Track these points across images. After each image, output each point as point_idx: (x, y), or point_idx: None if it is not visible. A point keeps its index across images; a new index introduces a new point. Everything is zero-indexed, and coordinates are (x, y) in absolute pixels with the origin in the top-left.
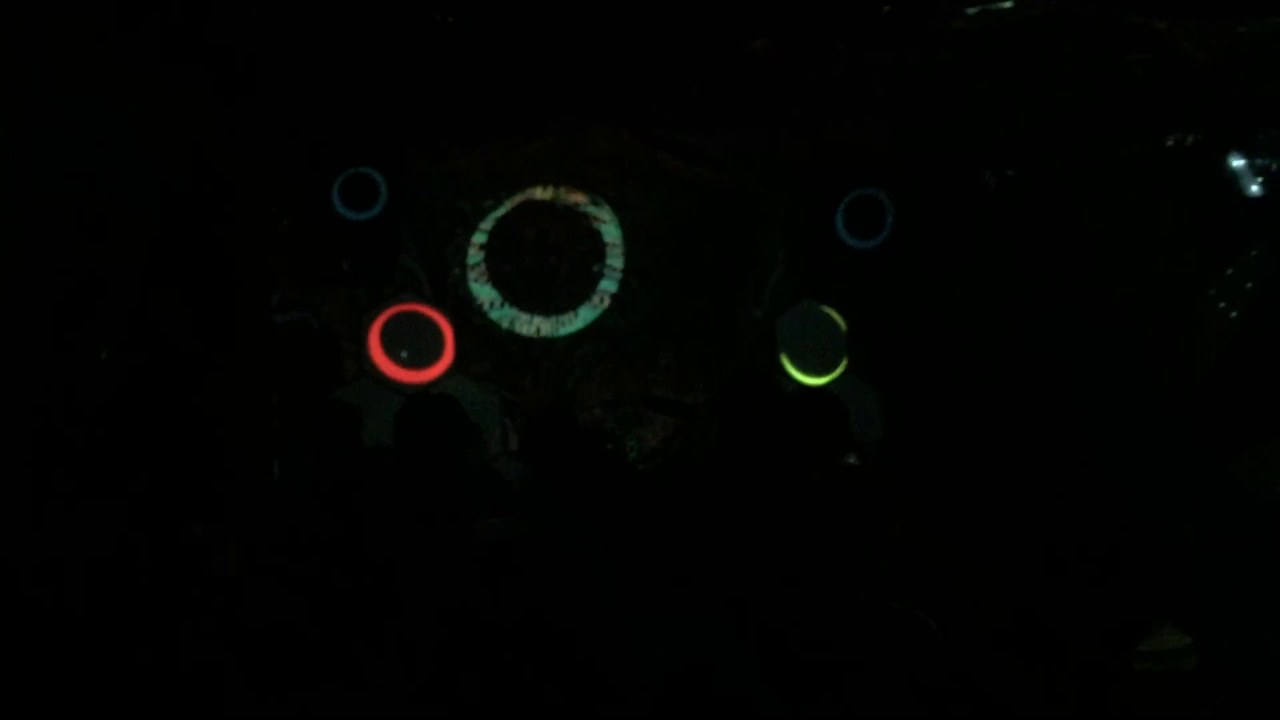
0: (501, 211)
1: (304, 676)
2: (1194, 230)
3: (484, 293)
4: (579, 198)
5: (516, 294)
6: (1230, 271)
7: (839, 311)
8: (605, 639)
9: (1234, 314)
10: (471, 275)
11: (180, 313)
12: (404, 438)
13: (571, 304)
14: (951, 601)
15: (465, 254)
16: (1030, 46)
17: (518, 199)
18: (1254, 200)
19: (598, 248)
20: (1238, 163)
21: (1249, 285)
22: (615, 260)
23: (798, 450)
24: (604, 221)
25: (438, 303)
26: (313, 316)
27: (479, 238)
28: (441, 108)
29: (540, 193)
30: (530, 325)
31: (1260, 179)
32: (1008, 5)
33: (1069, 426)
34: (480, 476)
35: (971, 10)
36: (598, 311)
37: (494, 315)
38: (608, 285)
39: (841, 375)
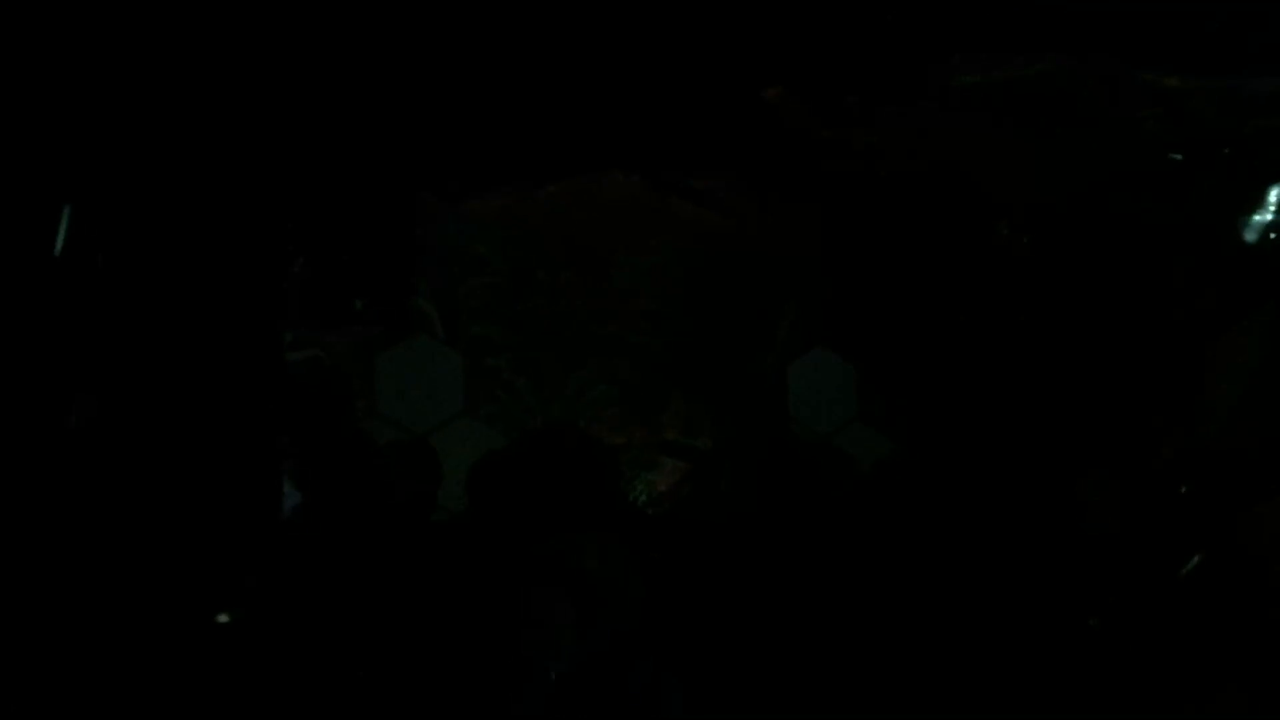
0: (516, 253)
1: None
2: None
3: (496, 334)
4: None
5: (528, 336)
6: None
7: (850, 358)
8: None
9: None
10: (483, 317)
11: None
12: None
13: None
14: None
15: (478, 295)
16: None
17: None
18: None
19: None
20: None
21: (1263, 334)
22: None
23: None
24: None
25: (450, 344)
26: (324, 355)
27: (492, 279)
28: (457, 150)
29: None
30: (540, 368)
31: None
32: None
33: None
34: None
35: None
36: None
37: (505, 358)
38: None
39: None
